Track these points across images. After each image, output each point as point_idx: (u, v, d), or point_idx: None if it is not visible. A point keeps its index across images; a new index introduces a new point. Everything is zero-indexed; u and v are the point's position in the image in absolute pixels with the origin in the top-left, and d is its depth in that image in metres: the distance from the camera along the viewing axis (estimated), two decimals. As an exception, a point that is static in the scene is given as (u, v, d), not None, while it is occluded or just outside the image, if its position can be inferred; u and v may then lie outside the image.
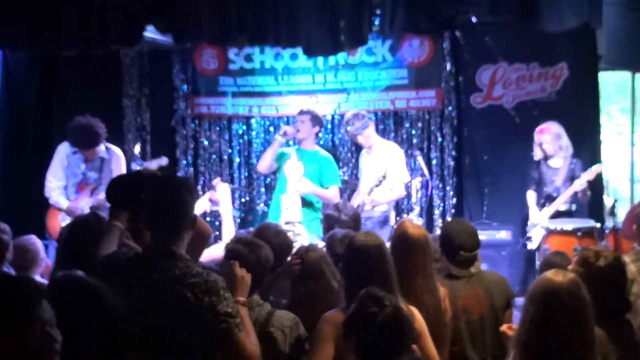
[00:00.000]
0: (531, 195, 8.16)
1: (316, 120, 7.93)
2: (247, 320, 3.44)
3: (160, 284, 3.27)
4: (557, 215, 7.86)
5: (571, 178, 7.87)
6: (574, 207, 7.98)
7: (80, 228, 4.48)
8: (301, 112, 8.00)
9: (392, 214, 8.07)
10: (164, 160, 8.19)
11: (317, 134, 8.08)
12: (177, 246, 3.38)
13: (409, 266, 4.25)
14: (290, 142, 8.36)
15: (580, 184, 7.70)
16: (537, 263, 7.62)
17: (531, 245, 7.94)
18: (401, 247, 4.36)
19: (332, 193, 7.65)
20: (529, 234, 8.01)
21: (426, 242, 4.41)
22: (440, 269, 4.81)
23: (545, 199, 7.99)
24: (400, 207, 9.02)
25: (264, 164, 8.03)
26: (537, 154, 8.10)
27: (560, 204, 7.87)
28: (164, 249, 3.35)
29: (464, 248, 4.70)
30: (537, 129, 8.09)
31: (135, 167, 9.16)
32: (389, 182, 7.37)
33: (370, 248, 3.88)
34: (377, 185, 7.25)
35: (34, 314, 2.36)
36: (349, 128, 7.95)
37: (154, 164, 7.94)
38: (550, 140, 7.97)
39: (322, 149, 8.14)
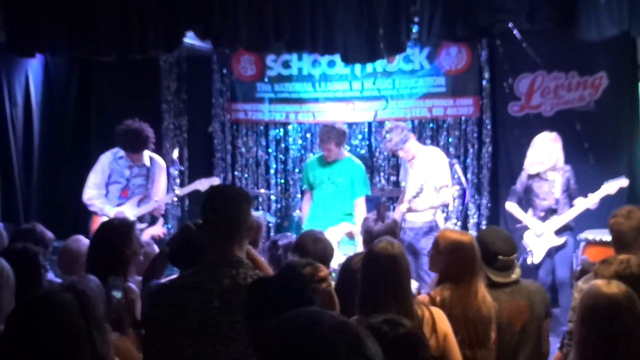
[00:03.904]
0: (514, 207, 7.63)
1: (341, 139, 7.73)
2: None
3: (232, 291, 3.29)
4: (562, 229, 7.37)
5: (568, 188, 7.41)
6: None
7: (107, 232, 4.61)
8: (325, 140, 7.74)
9: (441, 223, 7.74)
10: (215, 180, 7.98)
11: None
12: (240, 253, 3.43)
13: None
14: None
15: (595, 198, 7.20)
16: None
17: (531, 260, 7.40)
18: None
19: (360, 208, 7.65)
20: (528, 248, 7.47)
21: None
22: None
23: (547, 212, 7.42)
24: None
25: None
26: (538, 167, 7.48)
27: (569, 218, 7.31)
28: (229, 258, 3.38)
29: (501, 252, 4.63)
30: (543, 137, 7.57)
31: (173, 171, 9.22)
32: (429, 191, 7.29)
33: (379, 255, 3.79)
34: (414, 197, 7.16)
35: None
36: (387, 143, 7.74)
37: (205, 183, 7.85)
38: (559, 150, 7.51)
39: (354, 156, 8.06)
